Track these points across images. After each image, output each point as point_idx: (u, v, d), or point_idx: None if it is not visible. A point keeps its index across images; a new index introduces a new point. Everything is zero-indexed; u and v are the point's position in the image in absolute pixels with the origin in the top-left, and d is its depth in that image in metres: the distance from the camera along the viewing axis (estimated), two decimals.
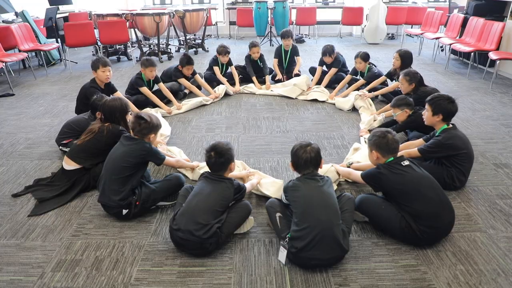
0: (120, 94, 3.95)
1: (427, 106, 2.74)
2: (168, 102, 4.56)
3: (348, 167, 2.90)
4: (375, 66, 4.73)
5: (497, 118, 4.11)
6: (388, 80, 4.62)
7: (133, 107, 3.99)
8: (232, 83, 5.21)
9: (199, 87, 5.00)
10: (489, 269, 2.03)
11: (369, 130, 3.65)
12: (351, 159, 3.10)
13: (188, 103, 4.56)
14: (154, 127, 2.52)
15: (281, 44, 5.45)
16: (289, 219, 2.17)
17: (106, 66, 3.71)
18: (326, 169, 2.82)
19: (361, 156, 3.09)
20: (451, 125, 2.70)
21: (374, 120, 3.89)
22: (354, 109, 4.40)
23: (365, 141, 3.39)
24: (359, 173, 2.50)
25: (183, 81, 4.79)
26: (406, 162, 2.22)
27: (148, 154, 2.48)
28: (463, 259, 2.10)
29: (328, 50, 4.93)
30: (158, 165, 2.66)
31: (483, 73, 5.76)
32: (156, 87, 4.58)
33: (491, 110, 4.35)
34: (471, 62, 5.87)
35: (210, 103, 4.73)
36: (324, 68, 5.23)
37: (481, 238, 2.27)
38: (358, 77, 4.85)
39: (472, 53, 5.73)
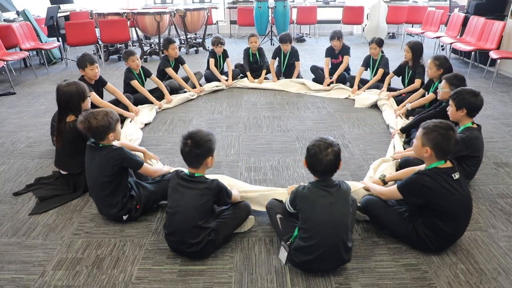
0: (112, 86, 3.91)
1: (450, 101, 2.56)
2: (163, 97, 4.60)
3: (383, 180, 2.53)
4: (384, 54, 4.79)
5: (497, 117, 4.11)
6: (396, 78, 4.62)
7: (125, 101, 3.98)
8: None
9: (186, 80, 5.05)
10: (489, 268, 2.03)
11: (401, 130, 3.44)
12: (381, 172, 2.74)
13: (174, 99, 4.61)
14: (106, 127, 2.26)
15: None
16: (290, 220, 2.15)
17: (93, 64, 3.60)
18: (355, 189, 2.43)
19: (390, 169, 2.77)
20: (476, 125, 2.56)
21: (401, 118, 3.81)
22: (370, 107, 4.44)
23: (397, 142, 3.28)
24: (392, 188, 2.17)
25: (169, 70, 4.81)
26: (457, 176, 1.95)
27: (122, 161, 2.28)
28: (464, 258, 2.10)
29: (336, 34, 5.01)
30: (136, 170, 2.46)
31: (484, 72, 5.75)
32: (153, 86, 4.59)
33: (491, 109, 4.35)
34: (471, 61, 5.87)
35: (195, 97, 4.84)
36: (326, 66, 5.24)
37: (482, 237, 2.27)
38: (368, 70, 4.92)
39: (472, 52, 5.73)
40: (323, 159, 1.83)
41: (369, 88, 4.74)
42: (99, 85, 3.79)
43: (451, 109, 2.58)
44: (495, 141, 3.54)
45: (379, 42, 4.68)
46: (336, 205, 1.88)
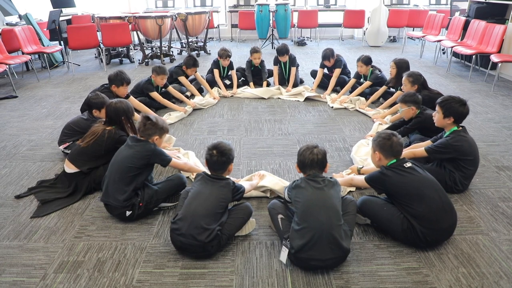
0: (134, 99, 3.99)
1: (437, 108, 2.71)
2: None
3: (358, 170, 2.91)
4: (380, 72, 4.69)
5: (499, 121, 4.11)
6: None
7: (145, 109, 4.02)
8: (232, 86, 5.28)
9: (200, 90, 5.06)
10: (491, 272, 2.03)
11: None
12: (361, 163, 3.10)
13: (171, 116, 4.32)
14: (159, 128, 2.51)
15: None
16: (291, 220, 2.17)
17: (128, 84, 3.80)
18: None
19: (366, 154, 3.13)
20: (461, 127, 2.68)
21: (380, 124, 3.90)
22: (357, 111, 4.41)
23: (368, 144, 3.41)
24: (360, 177, 2.51)
25: (183, 79, 4.82)
26: (409, 164, 2.23)
27: (152, 155, 2.47)
28: (465, 261, 2.10)
29: (327, 55, 4.96)
30: (164, 166, 2.65)
31: (485, 76, 5.76)
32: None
33: (493, 113, 4.35)
34: (472, 64, 5.87)
35: (191, 111, 4.63)
36: (325, 70, 5.23)
37: (483, 240, 2.27)
38: (361, 80, 4.85)
39: (473, 56, 5.73)
40: (309, 155, 2.14)
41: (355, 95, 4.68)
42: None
43: (437, 116, 2.72)
44: (496, 144, 3.54)
45: (365, 61, 4.62)
46: (324, 189, 2.07)
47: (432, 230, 2.12)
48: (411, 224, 2.13)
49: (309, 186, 2.09)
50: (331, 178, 2.18)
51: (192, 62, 4.79)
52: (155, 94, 4.38)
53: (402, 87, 3.77)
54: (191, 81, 5.02)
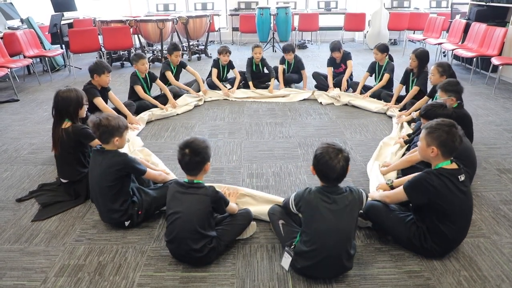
0: (113, 94, 3.98)
1: (422, 119, 2.66)
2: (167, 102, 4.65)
3: (390, 186, 2.49)
4: (392, 61, 4.77)
5: (500, 124, 4.10)
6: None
7: (123, 109, 4.00)
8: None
9: (190, 84, 5.13)
10: (493, 275, 2.02)
11: (408, 136, 3.42)
12: (388, 177, 2.78)
13: (179, 105, 4.64)
14: (115, 129, 2.28)
15: None
16: (292, 225, 2.15)
17: (110, 72, 3.79)
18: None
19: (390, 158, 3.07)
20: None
21: (402, 127, 3.84)
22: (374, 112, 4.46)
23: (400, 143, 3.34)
24: (396, 190, 2.16)
25: (168, 74, 4.85)
26: (463, 178, 1.94)
27: (125, 167, 2.32)
28: (467, 265, 2.09)
29: (337, 45, 5.05)
30: (140, 175, 2.50)
31: (486, 79, 5.76)
32: (157, 93, 4.61)
33: (494, 116, 4.34)
34: (473, 67, 5.87)
35: (200, 103, 4.85)
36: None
37: (485, 244, 2.26)
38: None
39: (474, 59, 5.74)
40: (335, 166, 1.80)
41: (373, 94, 4.72)
42: (104, 90, 3.86)
43: (433, 78, 2.74)
44: (497, 147, 3.53)
45: (380, 48, 4.67)
46: (339, 213, 1.85)
47: (440, 247, 2.07)
48: (424, 236, 2.05)
49: (324, 206, 1.85)
50: (352, 189, 1.91)
51: (172, 47, 4.85)
52: (138, 88, 4.37)
53: (429, 76, 3.69)
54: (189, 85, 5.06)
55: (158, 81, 4.61)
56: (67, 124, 2.70)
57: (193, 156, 1.99)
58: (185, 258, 2.09)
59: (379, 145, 3.45)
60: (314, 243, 1.88)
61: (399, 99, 4.44)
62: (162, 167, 3.03)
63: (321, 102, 4.82)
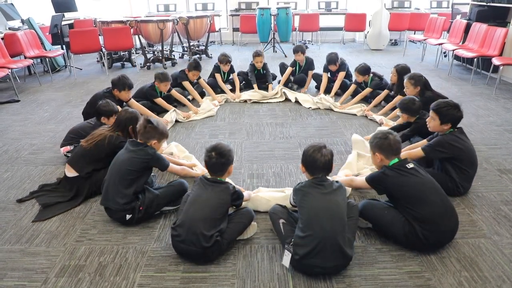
0: (135, 102, 4.02)
1: (433, 114, 2.68)
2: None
3: (356, 175, 2.86)
4: (381, 79, 4.65)
5: (500, 124, 4.10)
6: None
7: (147, 112, 4.05)
8: (233, 91, 5.28)
9: (202, 94, 5.06)
10: (494, 275, 2.02)
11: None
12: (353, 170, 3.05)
13: (202, 112, 4.58)
14: (158, 133, 2.51)
15: None
16: (293, 225, 2.16)
17: (131, 89, 3.85)
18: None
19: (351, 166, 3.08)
20: (456, 129, 2.68)
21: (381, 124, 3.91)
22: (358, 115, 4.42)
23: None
24: (361, 178, 2.49)
25: (186, 84, 4.83)
26: (411, 165, 2.20)
27: (152, 160, 2.47)
28: (468, 265, 2.09)
29: (333, 59, 4.96)
30: (162, 170, 2.65)
31: (487, 79, 5.75)
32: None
33: (494, 116, 4.34)
34: (474, 67, 5.87)
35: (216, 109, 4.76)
36: (328, 74, 5.24)
37: (486, 244, 2.26)
38: (362, 84, 4.84)
39: (475, 59, 5.73)
40: (320, 158, 2.07)
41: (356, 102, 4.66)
42: (123, 102, 3.91)
43: (433, 122, 2.68)
44: (498, 147, 3.53)
45: (361, 71, 4.60)
46: (330, 195, 2.03)
47: (433, 233, 2.11)
48: (413, 227, 2.12)
49: (315, 191, 2.05)
50: (337, 182, 2.14)
51: (194, 65, 4.80)
52: (159, 100, 4.41)
53: (404, 90, 3.75)
54: (194, 86, 5.03)
55: (174, 91, 4.60)
56: (114, 133, 2.82)
57: (219, 158, 2.17)
58: (189, 248, 2.06)
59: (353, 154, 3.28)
60: (309, 228, 1.96)
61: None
62: (194, 161, 3.23)
63: (310, 107, 4.74)
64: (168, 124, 4.13)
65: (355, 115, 4.46)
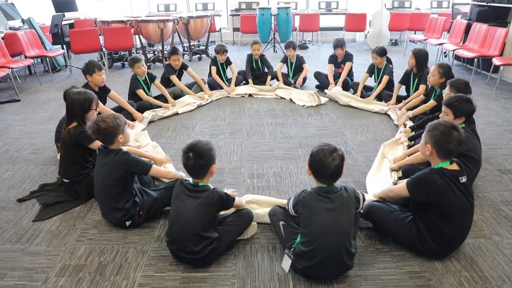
0: (115, 93, 4.00)
1: (446, 109, 2.60)
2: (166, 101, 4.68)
3: (395, 184, 2.59)
4: (390, 63, 4.78)
5: (501, 124, 4.10)
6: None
7: (126, 105, 4.07)
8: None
9: (190, 86, 5.13)
10: (494, 276, 2.02)
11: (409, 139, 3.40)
12: (394, 177, 2.85)
13: (178, 103, 4.67)
14: (115, 127, 2.27)
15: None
16: (293, 226, 2.15)
17: (101, 70, 3.73)
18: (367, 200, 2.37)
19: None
20: (468, 126, 2.64)
21: (404, 126, 3.81)
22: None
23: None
24: (400, 185, 2.17)
25: (173, 78, 4.87)
26: (464, 179, 1.97)
27: (128, 164, 2.30)
28: (468, 265, 2.09)
29: (340, 42, 5.07)
30: (145, 174, 2.50)
31: (487, 79, 5.75)
32: (156, 93, 4.62)
33: (495, 116, 4.34)
34: (474, 67, 5.87)
35: (203, 104, 4.87)
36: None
37: (486, 244, 2.26)
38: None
39: (475, 59, 5.73)
40: (330, 163, 1.84)
41: (377, 97, 4.69)
42: (103, 92, 3.84)
43: (447, 118, 2.60)
44: (498, 147, 3.53)
45: (380, 52, 4.66)
46: (336, 211, 1.87)
47: (440, 246, 2.06)
48: (423, 237, 2.05)
49: (320, 206, 1.87)
50: (347, 188, 1.93)
51: (170, 51, 4.88)
52: (141, 92, 4.39)
53: (428, 76, 3.70)
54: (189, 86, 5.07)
55: (157, 82, 4.64)
56: (73, 125, 2.70)
57: (197, 159, 1.97)
58: (185, 258, 2.09)
59: (380, 150, 3.36)
60: (313, 244, 1.88)
61: (399, 98, 4.45)
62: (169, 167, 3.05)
63: (304, 105, 4.78)
64: (142, 121, 4.15)
65: (370, 111, 4.52)
